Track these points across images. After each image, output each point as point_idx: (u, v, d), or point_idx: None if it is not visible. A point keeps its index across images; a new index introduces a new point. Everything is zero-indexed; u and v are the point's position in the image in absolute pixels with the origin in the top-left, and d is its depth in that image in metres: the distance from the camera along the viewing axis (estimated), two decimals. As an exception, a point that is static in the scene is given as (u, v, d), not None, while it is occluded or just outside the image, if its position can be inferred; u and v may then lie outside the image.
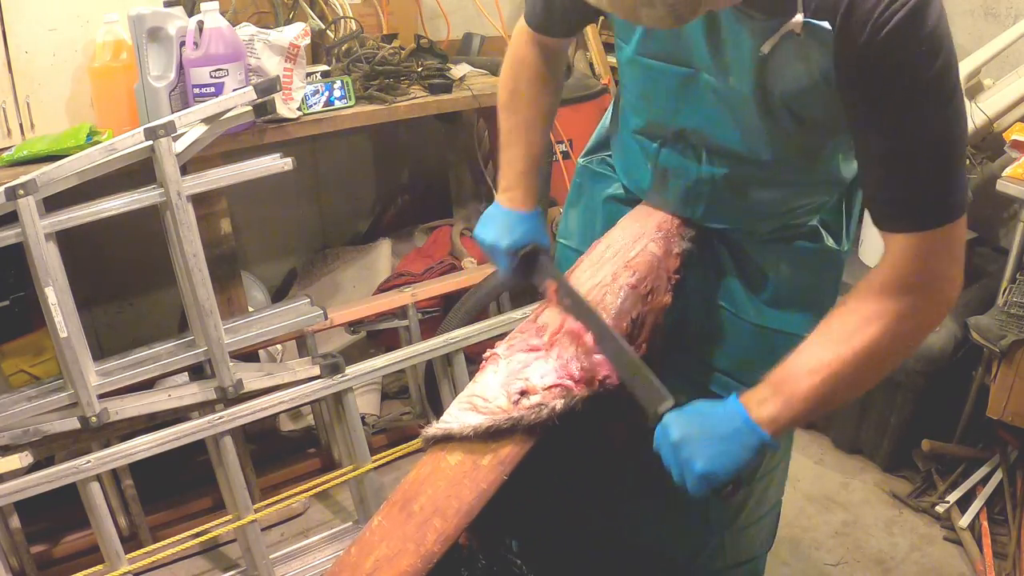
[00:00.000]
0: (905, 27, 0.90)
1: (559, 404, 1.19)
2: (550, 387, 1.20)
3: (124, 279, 2.62)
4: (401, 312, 2.43)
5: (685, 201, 1.31)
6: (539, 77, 1.40)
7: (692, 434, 1.04)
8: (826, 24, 0.95)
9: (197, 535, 2.00)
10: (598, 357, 1.22)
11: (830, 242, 1.32)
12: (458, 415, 1.24)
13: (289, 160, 1.94)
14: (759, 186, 1.22)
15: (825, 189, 1.27)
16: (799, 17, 0.96)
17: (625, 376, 1.17)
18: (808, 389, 1.02)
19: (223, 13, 1.90)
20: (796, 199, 1.26)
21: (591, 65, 2.98)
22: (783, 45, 1.00)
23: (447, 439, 1.23)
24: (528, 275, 1.36)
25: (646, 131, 1.31)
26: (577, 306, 1.24)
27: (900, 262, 1.00)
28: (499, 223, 1.37)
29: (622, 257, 1.31)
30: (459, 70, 2.42)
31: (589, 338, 1.22)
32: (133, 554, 1.92)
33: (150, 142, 1.75)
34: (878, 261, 1.04)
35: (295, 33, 2.01)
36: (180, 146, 1.82)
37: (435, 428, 1.23)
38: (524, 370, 1.23)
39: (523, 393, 1.20)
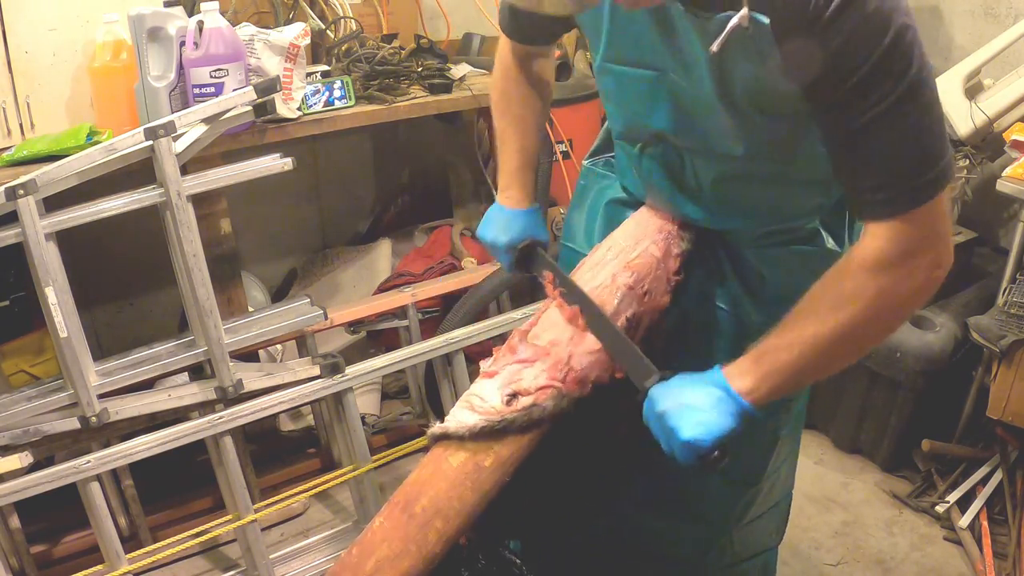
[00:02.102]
0: (845, 10, 0.90)
1: (550, 405, 1.21)
2: (541, 388, 1.21)
3: (124, 279, 2.62)
4: (401, 312, 2.43)
5: (673, 202, 1.32)
6: (526, 79, 1.44)
7: (676, 405, 1.06)
8: (764, 18, 0.95)
9: (197, 535, 2.00)
10: (589, 359, 1.23)
11: (831, 244, 1.32)
12: (456, 414, 1.25)
13: (289, 160, 1.94)
14: (744, 184, 1.22)
15: (819, 190, 1.27)
16: (744, 11, 0.96)
17: (615, 355, 1.21)
18: (787, 362, 1.04)
19: (223, 13, 1.90)
20: (786, 198, 1.25)
21: (591, 65, 2.98)
22: (734, 41, 1.00)
23: (445, 438, 1.24)
24: (528, 268, 1.43)
25: (626, 136, 1.34)
26: (572, 294, 1.27)
27: (882, 241, 0.99)
28: (498, 222, 1.44)
29: (623, 259, 1.32)
30: (459, 70, 2.42)
31: (581, 333, 1.24)
32: (133, 554, 1.92)
33: (150, 142, 1.75)
34: (861, 234, 1.03)
35: (295, 33, 2.01)
36: (180, 146, 1.82)
37: (437, 427, 1.25)
38: (518, 373, 1.24)
39: (515, 395, 1.22)
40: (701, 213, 1.30)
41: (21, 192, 1.65)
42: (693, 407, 1.05)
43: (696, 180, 1.26)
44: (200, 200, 1.91)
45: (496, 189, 1.51)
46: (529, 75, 1.44)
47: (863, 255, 1.01)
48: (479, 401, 1.23)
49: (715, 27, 0.99)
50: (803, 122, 1.06)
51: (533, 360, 1.24)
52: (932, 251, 1.00)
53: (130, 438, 1.86)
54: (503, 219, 1.44)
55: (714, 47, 1.00)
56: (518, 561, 1.36)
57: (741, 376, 1.07)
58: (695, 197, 1.28)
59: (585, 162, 1.56)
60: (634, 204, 1.42)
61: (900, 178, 0.96)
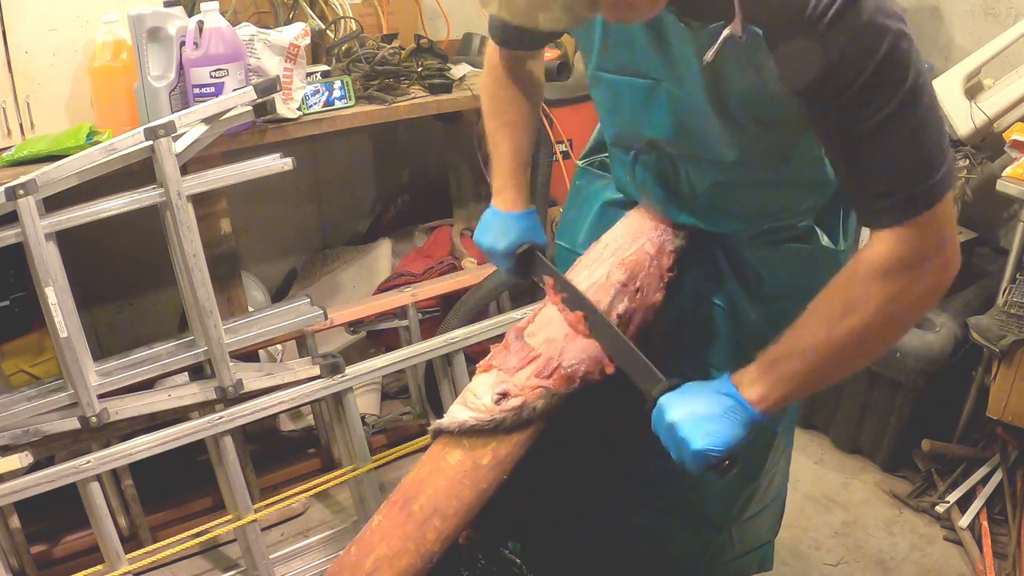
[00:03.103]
0: (840, 22, 0.90)
1: (540, 404, 1.22)
2: (532, 388, 1.22)
3: (124, 279, 2.62)
4: (401, 312, 2.43)
5: (668, 206, 1.33)
6: (515, 81, 1.43)
7: (687, 414, 1.06)
8: (757, 29, 0.95)
9: (197, 535, 2.00)
10: (579, 356, 1.23)
11: (825, 241, 1.32)
12: (452, 409, 1.27)
13: (289, 160, 1.94)
14: (738, 189, 1.23)
15: (812, 190, 1.27)
16: (737, 22, 0.96)
17: (621, 362, 1.21)
18: (798, 369, 1.04)
19: (223, 13, 1.90)
20: (780, 201, 1.26)
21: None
22: (729, 50, 1.00)
23: (439, 433, 1.24)
24: (527, 273, 1.41)
25: (619, 143, 1.35)
26: (573, 298, 1.27)
27: (890, 246, 1.00)
28: (495, 226, 1.42)
29: (618, 256, 1.32)
30: (459, 70, 2.42)
31: (578, 333, 1.24)
32: (133, 554, 1.92)
33: (150, 142, 1.76)
34: (868, 240, 1.03)
35: (295, 33, 2.01)
36: (180, 146, 1.82)
37: (436, 422, 1.26)
38: (510, 372, 1.25)
39: (504, 395, 1.22)
40: (695, 218, 1.31)
41: (21, 192, 1.65)
42: (704, 417, 1.05)
43: (690, 186, 1.27)
44: (200, 200, 1.91)
45: (489, 175, 1.49)
46: (518, 77, 1.43)
47: (871, 261, 1.01)
48: (472, 398, 1.24)
49: (708, 37, 1.00)
50: (799, 128, 1.07)
51: (525, 361, 1.25)
52: (940, 254, 1.00)
53: (130, 438, 1.86)
54: (500, 223, 1.42)
55: (708, 57, 1.01)
56: (518, 561, 1.36)
57: (751, 385, 1.06)
58: (689, 203, 1.29)
59: (580, 163, 1.56)
60: (629, 204, 1.42)
61: (903, 185, 0.96)
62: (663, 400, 1.10)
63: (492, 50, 1.44)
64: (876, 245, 1.00)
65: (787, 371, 1.05)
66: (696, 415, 1.06)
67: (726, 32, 0.97)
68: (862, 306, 1.00)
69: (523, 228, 1.41)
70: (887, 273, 0.99)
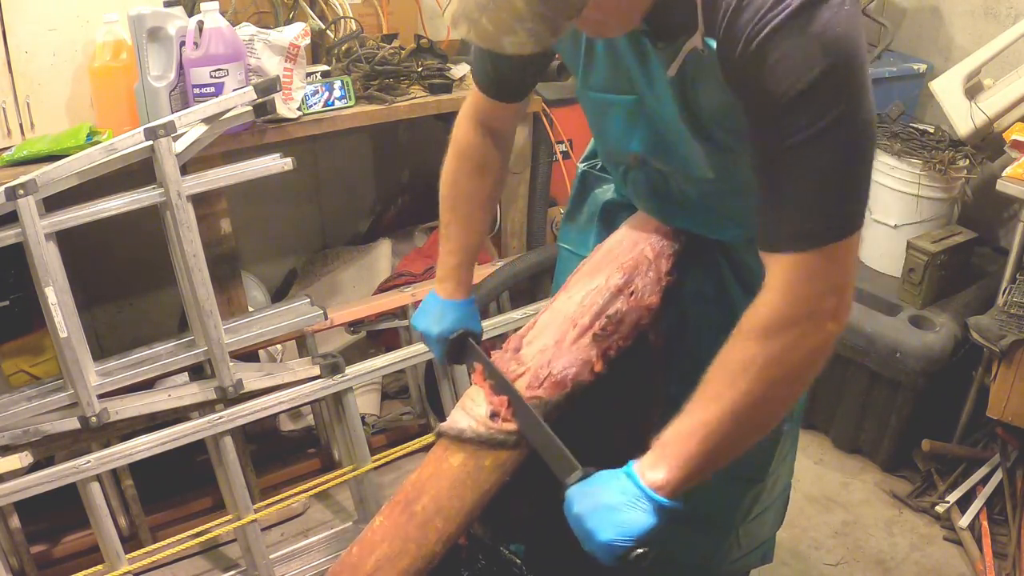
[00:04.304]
0: (779, 32, 0.88)
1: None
2: (526, 401, 1.22)
3: (124, 279, 2.62)
4: (401, 312, 2.43)
5: (663, 215, 1.33)
6: (480, 168, 1.44)
7: (591, 506, 1.04)
8: (712, 41, 0.94)
9: (197, 535, 2.00)
10: (569, 360, 1.23)
11: None
12: (453, 414, 1.27)
13: (289, 160, 1.94)
14: (729, 197, 1.22)
15: None
16: (698, 36, 0.95)
17: (541, 449, 1.19)
18: (694, 448, 1.00)
19: (223, 13, 1.90)
20: None
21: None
22: (694, 65, 0.99)
23: (441, 434, 1.25)
24: (459, 358, 1.44)
25: (609, 159, 1.36)
26: (500, 385, 1.26)
27: (776, 293, 0.97)
28: (432, 312, 1.46)
29: (618, 260, 1.32)
30: (459, 70, 2.42)
31: (565, 338, 1.25)
32: (133, 554, 1.92)
33: (150, 142, 1.75)
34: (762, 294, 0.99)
35: (295, 33, 2.00)
36: (180, 146, 1.81)
37: (439, 424, 1.27)
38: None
39: (495, 414, 1.22)
40: (693, 223, 1.31)
41: (21, 192, 1.65)
42: (607, 507, 1.02)
43: (682, 196, 1.27)
44: (200, 200, 1.91)
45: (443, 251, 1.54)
46: (484, 163, 1.43)
47: (751, 320, 0.99)
48: (472, 404, 1.25)
49: (674, 53, 1.00)
50: None
51: (516, 375, 1.25)
52: (827, 306, 0.96)
53: (130, 438, 1.86)
54: (437, 309, 1.45)
55: (671, 71, 1.01)
56: (518, 562, 1.36)
57: (652, 469, 1.03)
58: (684, 210, 1.29)
59: (581, 164, 1.57)
60: (631, 206, 1.42)
61: (806, 213, 0.94)
62: (570, 492, 1.08)
63: (461, 130, 1.43)
64: (760, 297, 0.98)
65: (684, 452, 1.01)
66: (600, 506, 1.03)
67: (687, 46, 0.97)
68: (743, 373, 0.98)
69: (459, 315, 1.44)
70: (767, 331, 0.97)
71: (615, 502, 1.02)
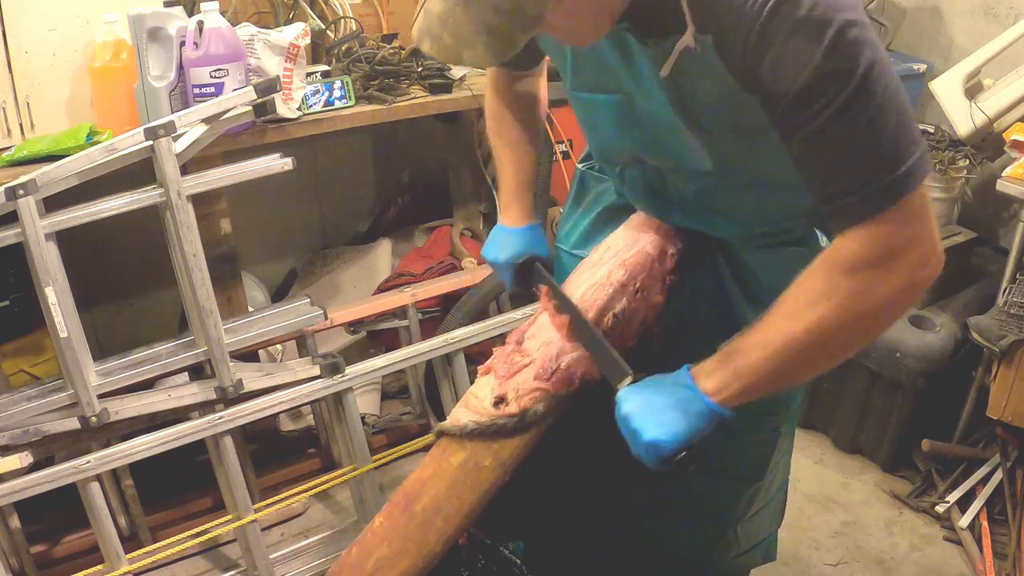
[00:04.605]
0: (775, 17, 0.88)
1: (541, 408, 1.22)
2: (530, 392, 1.22)
3: (124, 279, 2.62)
4: (401, 312, 2.43)
5: (661, 213, 1.34)
6: (516, 99, 1.48)
7: (639, 405, 1.05)
8: (708, 38, 0.94)
9: (197, 535, 2.00)
10: (576, 356, 1.24)
11: (825, 243, 1.31)
12: (455, 411, 1.27)
13: (289, 160, 1.94)
14: (725, 193, 1.22)
15: (804, 193, 1.27)
16: (689, 34, 0.95)
17: (598, 360, 1.21)
18: (756, 362, 1.00)
19: (223, 13, 1.90)
20: (773, 204, 1.25)
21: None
22: (687, 63, 0.99)
23: (441, 434, 1.25)
24: (527, 283, 1.47)
25: (603, 158, 1.38)
26: (563, 304, 1.29)
27: (855, 243, 0.96)
28: (498, 241, 1.49)
29: (619, 258, 1.33)
30: (459, 70, 2.42)
31: (562, 336, 1.27)
32: (133, 554, 1.92)
33: (150, 142, 1.75)
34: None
35: (295, 33, 2.01)
36: (180, 146, 1.81)
37: (439, 424, 1.27)
38: (508, 376, 1.26)
39: (501, 399, 1.22)
40: (690, 221, 1.31)
41: (21, 192, 1.65)
42: (657, 407, 1.03)
43: (679, 193, 1.27)
44: (200, 200, 1.91)
45: (496, 191, 1.55)
46: (517, 95, 1.48)
47: (837, 255, 0.98)
48: (474, 400, 1.25)
49: (664, 52, 1.00)
50: (772, 130, 1.06)
51: (514, 370, 1.25)
52: (912, 252, 0.95)
53: (130, 438, 1.86)
54: (503, 237, 1.48)
55: (663, 71, 1.01)
56: (518, 561, 1.36)
57: (708, 375, 1.04)
58: (682, 207, 1.29)
59: (579, 165, 1.57)
60: (629, 207, 1.43)
61: (863, 180, 0.93)
62: (621, 393, 1.08)
63: (489, 78, 1.50)
64: (843, 240, 0.97)
65: (746, 363, 1.01)
66: (649, 405, 1.04)
67: (679, 45, 0.97)
68: (825, 300, 0.97)
69: (525, 241, 1.46)
70: (853, 268, 0.96)
71: (665, 402, 1.03)
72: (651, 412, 1.03)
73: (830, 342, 1.00)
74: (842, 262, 0.97)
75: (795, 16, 0.88)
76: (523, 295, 1.56)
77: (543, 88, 1.52)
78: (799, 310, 0.99)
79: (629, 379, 1.11)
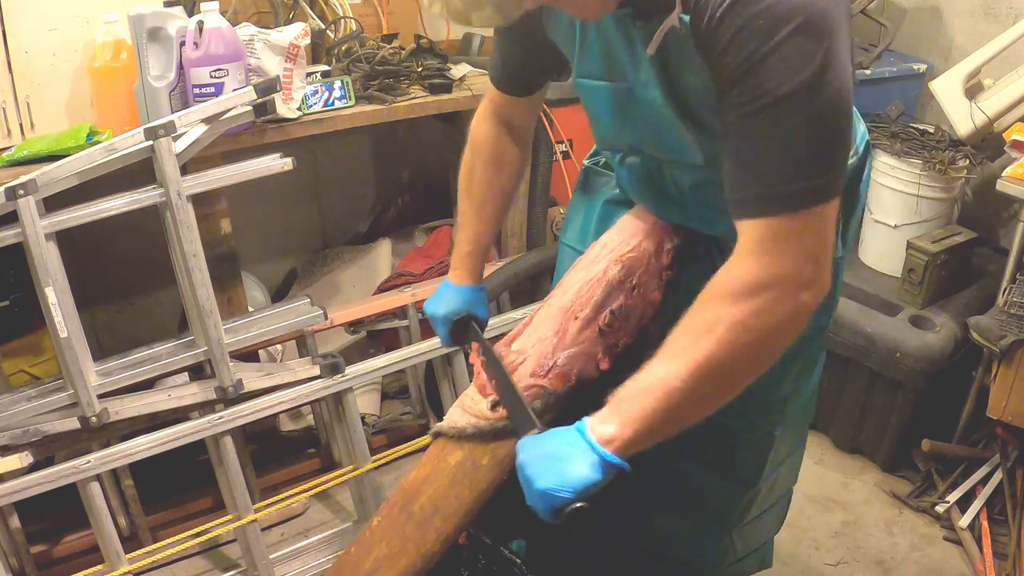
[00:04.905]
0: (738, 4, 0.90)
1: (537, 404, 1.22)
2: (527, 388, 1.22)
3: (124, 279, 2.62)
4: (401, 312, 2.43)
5: (658, 207, 1.34)
6: (494, 160, 1.46)
7: (535, 454, 1.03)
8: (686, 16, 0.95)
9: (197, 535, 2.00)
10: (572, 352, 1.25)
11: None
12: (451, 413, 1.28)
13: (289, 160, 1.94)
14: (720, 189, 1.22)
15: None
16: (675, 14, 0.96)
17: (509, 410, 1.22)
18: (644, 408, 0.98)
19: (223, 13, 1.90)
20: None
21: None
22: (675, 46, 1.00)
23: (441, 435, 1.25)
24: (461, 340, 1.52)
25: (605, 147, 1.38)
26: (490, 361, 1.30)
27: (747, 257, 0.96)
28: (441, 296, 1.52)
29: (616, 254, 1.33)
30: (459, 70, 2.42)
31: (566, 330, 1.27)
32: (133, 554, 1.92)
33: (150, 142, 1.76)
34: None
35: (295, 33, 2.01)
36: (180, 146, 1.82)
37: (435, 425, 1.27)
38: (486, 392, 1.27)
39: (497, 404, 1.22)
40: (686, 217, 1.32)
41: (21, 192, 1.65)
42: (551, 457, 1.01)
43: (676, 187, 1.28)
44: (200, 200, 1.91)
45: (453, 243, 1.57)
46: (500, 154, 1.46)
47: (721, 281, 0.98)
48: (470, 402, 1.25)
49: (652, 31, 1.00)
50: None
51: (518, 363, 1.25)
52: (800, 274, 0.94)
53: (130, 438, 1.86)
54: (446, 293, 1.52)
55: (650, 50, 1.01)
56: (518, 561, 1.36)
57: (602, 423, 1.01)
58: (678, 202, 1.30)
59: (586, 161, 1.59)
60: (629, 203, 1.43)
61: (770, 178, 0.93)
62: (521, 442, 1.07)
63: (478, 121, 1.48)
64: (732, 260, 0.97)
65: (635, 409, 0.99)
66: (543, 455, 1.02)
67: (665, 24, 0.97)
68: (708, 334, 0.95)
69: (466, 300, 1.50)
70: (736, 294, 0.95)
71: (559, 452, 1.01)
72: (545, 461, 1.01)
73: (718, 378, 0.98)
74: (727, 289, 0.97)
75: (756, 5, 0.89)
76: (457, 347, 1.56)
77: (529, 134, 1.52)
78: (683, 349, 0.98)
79: (536, 431, 1.10)
